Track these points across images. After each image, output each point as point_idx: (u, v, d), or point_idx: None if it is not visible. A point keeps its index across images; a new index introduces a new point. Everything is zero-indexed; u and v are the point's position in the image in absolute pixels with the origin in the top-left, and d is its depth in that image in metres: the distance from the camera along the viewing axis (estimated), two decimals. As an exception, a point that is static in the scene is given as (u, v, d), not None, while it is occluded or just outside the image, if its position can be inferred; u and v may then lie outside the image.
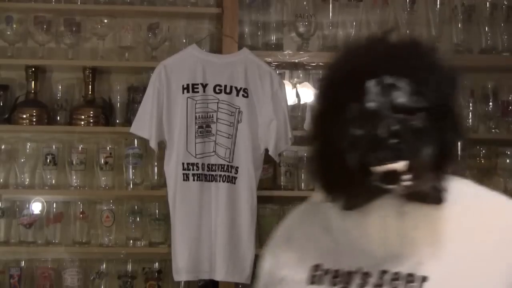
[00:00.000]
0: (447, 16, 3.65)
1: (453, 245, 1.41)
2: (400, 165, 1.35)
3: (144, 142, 3.34)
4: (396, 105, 1.38)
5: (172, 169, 3.23)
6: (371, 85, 1.39)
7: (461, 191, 1.48)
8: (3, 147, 3.50)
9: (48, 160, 3.48)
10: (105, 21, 3.56)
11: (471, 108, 3.60)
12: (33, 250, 3.46)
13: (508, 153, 3.60)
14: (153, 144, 3.23)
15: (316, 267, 1.47)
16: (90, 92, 3.53)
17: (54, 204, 3.50)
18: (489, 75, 3.64)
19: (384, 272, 1.39)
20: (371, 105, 1.38)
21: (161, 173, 3.37)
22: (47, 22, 3.54)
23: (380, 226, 1.41)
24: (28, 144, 3.52)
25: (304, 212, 1.62)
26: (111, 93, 3.61)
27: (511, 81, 3.66)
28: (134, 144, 3.48)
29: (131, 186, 3.50)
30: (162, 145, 3.28)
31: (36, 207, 3.48)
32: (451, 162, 1.44)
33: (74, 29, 3.56)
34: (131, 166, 3.49)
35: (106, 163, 3.50)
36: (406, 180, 1.35)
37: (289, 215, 1.65)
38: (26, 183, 3.49)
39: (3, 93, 3.54)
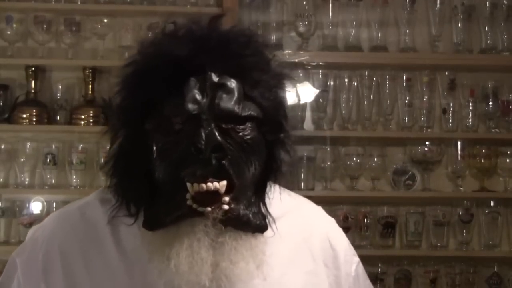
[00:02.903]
0: (447, 15, 3.64)
1: (278, 281, 1.20)
2: (219, 185, 1.09)
3: (144, 142, 3.34)
4: (222, 110, 1.11)
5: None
6: (193, 83, 1.11)
7: (286, 208, 1.27)
8: (3, 147, 3.50)
9: (48, 160, 3.48)
10: (105, 21, 3.56)
11: (471, 108, 3.60)
12: (33, 250, 3.46)
13: (508, 153, 3.59)
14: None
15: None
16: (90, 92, 3.52)
17: (54, 204, 3.49)
18: (489, 75, 3.63)
19: None
20: (190, 107, 1.10)
21: (161, 173, 3.37)
22: (47, 22, 3.53)
23: (190, 259, 1.10)
24: (28, 144, 3.51)
25: (83, 221, 1.25)
26: (111, 93, 3.60)
27: (511, 81, 3.65)
28: (134, 144, 3.48)
29: (131, 186, 3.50)
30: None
31: (36, 207, 3.48)
32: (277, 182, 1.22)
33: (74, 29, 3.55)
34: (131, 166, 3.49)
35: (106, 163, 3.50)
36: (225, 203, 1.10)
37: (56, 219, 1.32)
38: (26, 183, 3.49)
39: (3, 93, 3.53)
